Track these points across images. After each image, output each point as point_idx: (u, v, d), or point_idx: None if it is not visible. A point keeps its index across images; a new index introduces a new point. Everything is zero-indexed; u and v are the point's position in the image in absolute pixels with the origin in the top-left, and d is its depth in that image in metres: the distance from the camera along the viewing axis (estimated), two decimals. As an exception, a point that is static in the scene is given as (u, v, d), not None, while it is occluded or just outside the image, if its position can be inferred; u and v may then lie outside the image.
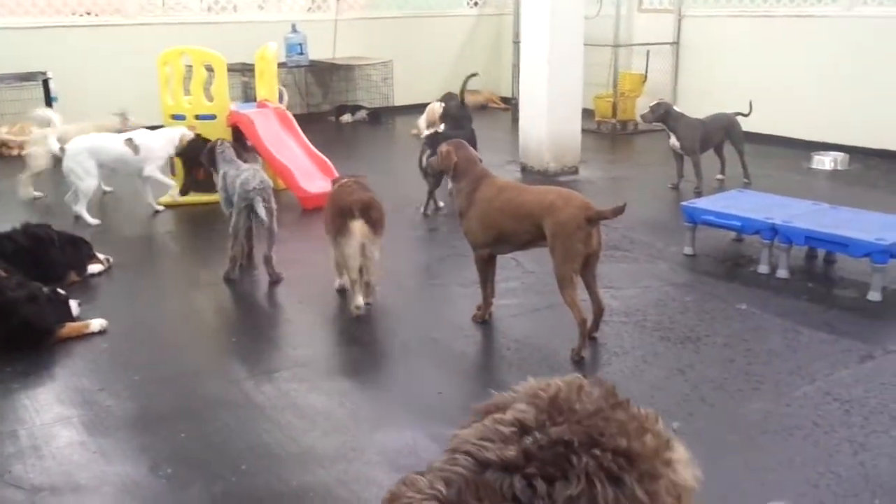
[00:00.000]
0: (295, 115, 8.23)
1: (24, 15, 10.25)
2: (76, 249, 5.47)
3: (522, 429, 0.89)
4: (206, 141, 7.08)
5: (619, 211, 4.08)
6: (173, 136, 6.96)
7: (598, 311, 4.33)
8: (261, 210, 5.20)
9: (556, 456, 0.86)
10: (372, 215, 4.64)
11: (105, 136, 6.89)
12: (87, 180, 6.68)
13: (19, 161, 9.20)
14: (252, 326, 4.74)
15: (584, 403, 0.92)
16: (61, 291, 4.71)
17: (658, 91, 10.27)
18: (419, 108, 8.87)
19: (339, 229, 4.63)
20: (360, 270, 4.64)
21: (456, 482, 0.84)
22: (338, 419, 3.60)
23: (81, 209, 6.68)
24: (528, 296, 5.05)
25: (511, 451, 0.86)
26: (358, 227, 4.59)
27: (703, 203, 5.84)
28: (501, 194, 4.36)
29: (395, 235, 6.16)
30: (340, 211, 4.63)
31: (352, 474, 3.16)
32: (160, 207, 7.03)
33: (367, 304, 4.76)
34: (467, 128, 7.49)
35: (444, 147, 4.59)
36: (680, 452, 0.92)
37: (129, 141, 6.80)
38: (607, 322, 4.48)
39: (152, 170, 6.93)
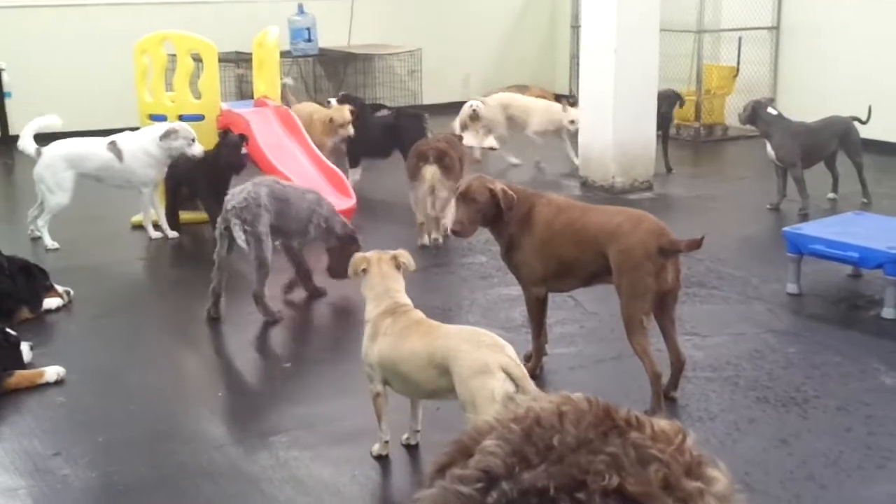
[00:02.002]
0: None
1: (-27, -7, 10.46)
2: (30, 279, 5.52)
3: (489, 481, 0.86)
4: (240, 137, 7.03)
5: (694, 245, 4.07)
6: (155, 135, 6.83)
7: (678, 363, 4.29)
8: (239, 236, 5.21)
9: None
10: (444, 162, 6.38)
11: (86, 141, 6.92)
12: (58, 195, 6.72)
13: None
14: (243, 378, 4.75)
15: (567, 434, 0.89)
16: (10, 332, 4.75)
17: (753, 87, 10.21)
18: (454, 108, 8.92)
19: (413, 173, 6.44)
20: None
21: None
22: (349, 496, 3.58)
23: (43, 228, 6.72)
24: (590, 343, 5.00)
25: None
26: (430, 171, 6.34)
27: (810, 228, 5.77)
28: (561, 215, 4.36)
29: (423, 269, 6.15)
30: (418, 156, 6.50)
31: (365, 567, 3.13)
32: (172, 234, 6.96)
33: (435, 239, 6.60)
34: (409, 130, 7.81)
35: (496, 185, 4.48)
36: (714, 481, 0.88)
37: (113, 144, 6.83)
38: (689, 378, 4.42)
39: (149, 191, 6.94)
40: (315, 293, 5.67)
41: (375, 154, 8.25)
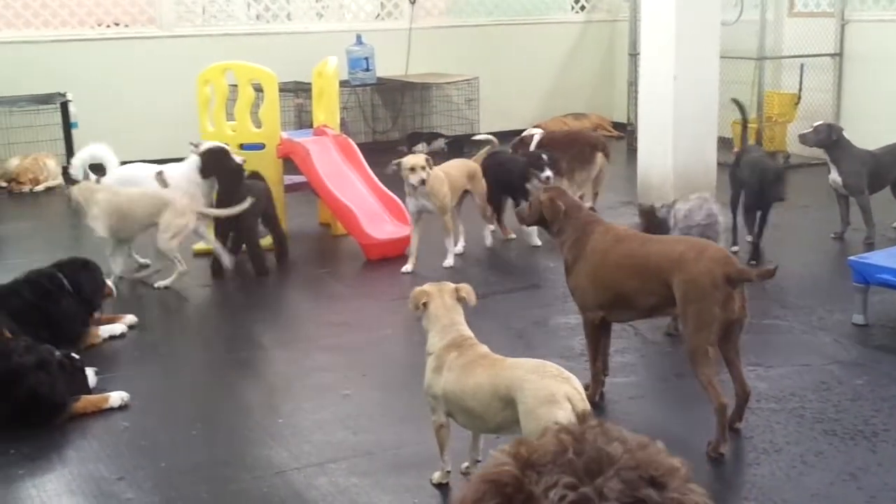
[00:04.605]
0: (359, 145, 8.36)
1: (41, 27, 10.72)
2: (91, 278, 5.60)
3: None
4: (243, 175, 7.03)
5: (767, 274, 4.04)
6: (195, 165, 6.83)
7: (743, 394, 4.23)
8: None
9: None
10: (606, 151, 8.17)
11: (136, 167, 7.02)
12: None
13: (31, 198, 9.59)
14: (303, 404, 4.77)
15: (624, 444, 1.00)
16: (76, 356, 4.83)
17: (815, 114, 10.08)
18: (510, 136, 8.91)
19: (588, 157, 7.94)
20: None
21: None
22: (409, 525, 3.58)
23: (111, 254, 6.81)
24: (651, 373, 4.96)
25: None
26: (600, 158, 8.07)
27: (877, 258, 5.69)
28: (619, 245, 4.33)
29: (483, 292, 6.16)
30: (591, 145, 8.17)
31: None
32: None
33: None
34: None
35: (543, 195, 4.61)
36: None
37: (160, 175, 6.86)
38: (754, 410, 4.37)
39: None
40: None
41: None
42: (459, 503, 1.00)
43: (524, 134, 8.57)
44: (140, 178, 6.92)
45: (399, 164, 6.68)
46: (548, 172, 7.06)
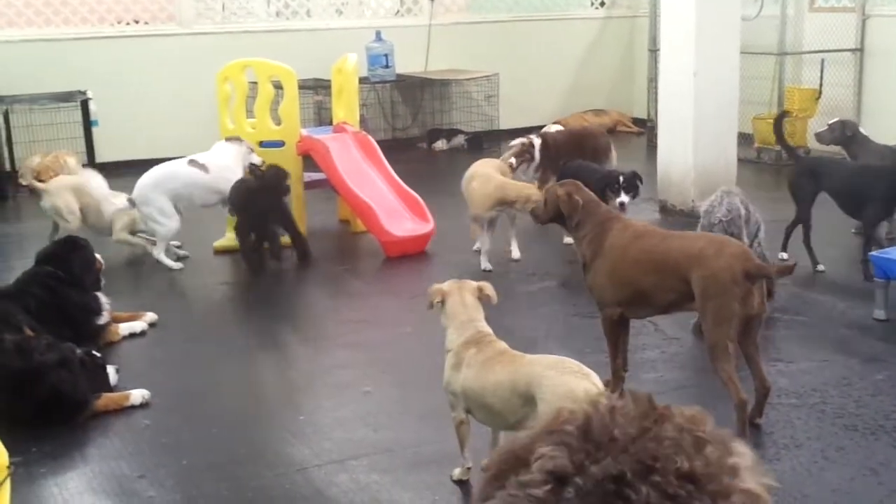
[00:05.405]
0: (379, 142, 8.38)
1: (61, 25, 10.78)
2: (79, 257, 5.62)
3: (559, 481, 0.89)
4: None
5: (786, 271, 4.04)
6: (244, 149, 7.22)
7: (763, 390, 4.23)
8: None
9: (606, 496, 0.87)
10: (611, 147, 8.27)
11: (166, 164, 7.17)
12: (167, 222, 6.89)
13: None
14: (323, 401, 4.79)
15: (625, 426, 0.94)
16: (97, 354, 4.87)
17: (836, 110, 10.04)
18: (530, 133, 8.89)
19: (605, 152, 8.10)
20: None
21: None
22: (429, 521, 3.59)
23: (160, 254, 6.89)
24: (671, 369, 4.95)
25: None
26: (613, 150, 8.21)
27: (898, 253, 5.68)
28: (638, 242, 4.33)
29: (505, 290, 6.16)
30: (604, 136, 8.58)
31: (446, 592, 3.13)
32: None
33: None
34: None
35: (560, 190, 4.60)
36: (744, 456, 0.94)
37: (194, 161, 7.05)
38: (774, 405, 4.36)
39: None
40: None
41: None
42: (484, 469, 1.04)
43: (543, 131, 8.56)
44: (179, 172, 7.05)
45: (528, 198, 6.21)
46: (624, 198, 6.74)
